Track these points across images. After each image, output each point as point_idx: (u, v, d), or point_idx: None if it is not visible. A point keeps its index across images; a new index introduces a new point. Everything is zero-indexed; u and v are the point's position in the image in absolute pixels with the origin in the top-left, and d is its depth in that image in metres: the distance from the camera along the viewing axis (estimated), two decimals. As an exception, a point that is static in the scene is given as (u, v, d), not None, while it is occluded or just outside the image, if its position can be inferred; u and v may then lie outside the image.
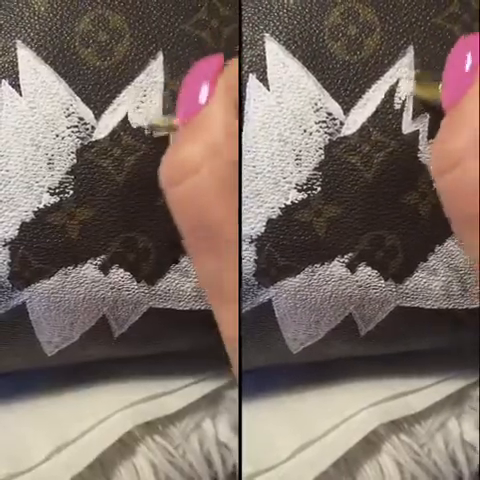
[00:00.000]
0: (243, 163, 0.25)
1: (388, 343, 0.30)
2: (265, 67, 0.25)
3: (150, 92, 0.26)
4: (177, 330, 0.30)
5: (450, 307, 0.29)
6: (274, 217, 0.25)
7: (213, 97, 0.21)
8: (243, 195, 0.25)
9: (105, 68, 0.26)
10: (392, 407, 0.32)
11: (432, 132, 0.25)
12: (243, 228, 0.26)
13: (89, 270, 0.27)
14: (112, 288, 0.27)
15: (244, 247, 0.26)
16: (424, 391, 0.33)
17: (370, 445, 0.32)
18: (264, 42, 0.25)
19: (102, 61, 0.26)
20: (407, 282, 0.28)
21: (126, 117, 0.26)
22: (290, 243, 0.26)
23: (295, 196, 0.25)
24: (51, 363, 0.30)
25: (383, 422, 0.31)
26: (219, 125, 0.21)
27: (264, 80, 0.25)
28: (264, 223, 0.26)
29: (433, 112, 0.25)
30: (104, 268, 0.27)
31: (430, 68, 0.25)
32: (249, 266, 0.26)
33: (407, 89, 0.25)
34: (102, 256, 0.27)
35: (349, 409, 0.31)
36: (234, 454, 0.33)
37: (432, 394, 0.33)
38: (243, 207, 0.25)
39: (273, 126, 0.25)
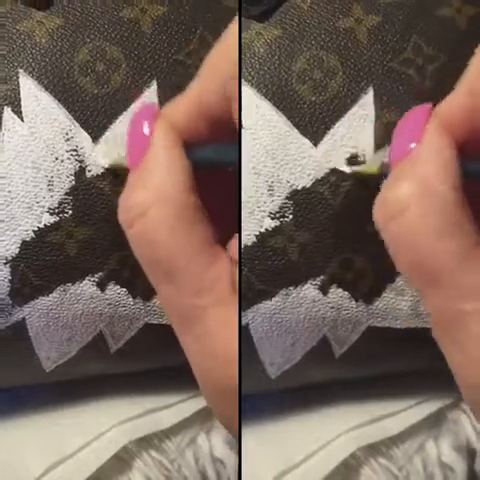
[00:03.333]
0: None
1: (363, 365, 0.31)
2: (19, 100, 0.26)
3: (362, 123, 0.28)
4: (171, 345, 0.30)
5: (419, 326, 0.29)
6: (28, 239, 0.27)
7: (155, 139, 0.22)
8: None
9: (102, 96, 0.27)
10: (370, 431, 0.32)
11: None
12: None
13: (87, 287, 0.28)
14: (109, 304, 0.28)
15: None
16: (401, 414, 0.33)
17: (348, 469, 0.32)
18: (18, 78, 0.26)
19: (99, 89, 0.27)
20: (377, 302, 0.29)
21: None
22: (43, 263, 0.27)
23: (48, 219, 0.27)
24: (49, 379, 0.30)
25: (361, 446, 0.32)
26: (163, 168, 0.21)
27: (18, 112, 0.26)
28: (18, 245, 0.27)
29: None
30: (101, 285, 0.28)
31: (388, 106, 0.27)
32: (4, 286, 0.27)
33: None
34: (99, 273, 0.28)
35: (327, 434, 0.32)
36: (229, 469, 0.33)
37: (409, 417, 0.33)
38: None
39: (26, 154, 0.26)
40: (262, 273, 0.27)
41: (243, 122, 0.27)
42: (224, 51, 0.22)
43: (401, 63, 0.28)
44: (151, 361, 0.31)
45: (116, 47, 0.27)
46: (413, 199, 0.20)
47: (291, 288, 0.28)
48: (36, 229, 0.27)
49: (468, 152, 0.22)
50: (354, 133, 0.27)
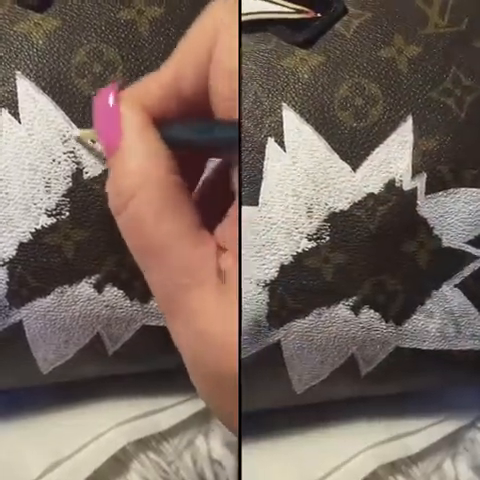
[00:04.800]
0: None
1: (386, 383, 0.32)
2: (16, 102, 0.27)
3: (401, 149, 0.28)
4: (169, 347, 0.31)
5: (445, 348, 0.30)
6: (25, 241, 0.27)
7: (125, 124, 0.22)
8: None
9: (360, 129, 0.28)
10: (390, 449, 0.33)
11: (429, 188, 0.29)
12: None
13: (84, 288, 0.28)
14: (106, 306, 0.28)
15: None
16: (422, 432, 0.34)
17: None
18: (16, 79, 0.27)
19: (97, 91, 0.27)
20: (406, 324, 0.30)
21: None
22: (41, 265, 0.27)
23: (45, 221, 0.27)
24: (46, 381, 0.31)
25: (381, 464, 0.32)
26: (138, 151, 0.21)
27: (16, 114, 0.26)
28: (16, 246, 0.27)
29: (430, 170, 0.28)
30: (98, 287, 0.28)
31: (426, 135, 0.29)
32: (1, 288, 0.27)
33: None
34: (96, 275, 0.28)
35: (347, 451, 0.32)
36: (227, 471, 0.33)
37: (429, 435, 0.34)
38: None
39: (24, 156, 0.26)
40: (296, 292, 0.28)
41: (285, 145, 0.28)
42: (200, 33, 0.22)
43: (440, 93, 0.29)
44: (148, 363, 0.32)
45: (113, 49, 0.27)
46: (135, 188, 0.21)
47: (324, 308, 0.28)
48: (33, 231, 0.27)
49: (168, 121, 0.22)
50: (392, 159, 0.28)
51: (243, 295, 0.28)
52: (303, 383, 0.30)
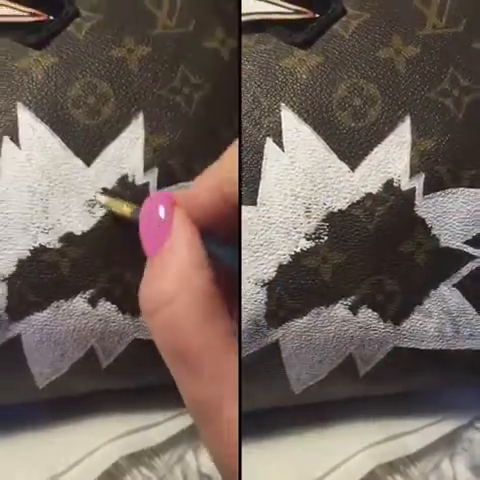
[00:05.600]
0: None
1: (385, 383, 0.32)
2: (17, 130, 0.28)
3: (133, 146, 0.29)
4: (160, 361, 0.32)
5: (443, 348, 0.31)
6: (23, 258, 0.28)
7: (173, 230, 0.22)
8: None
9: (93, 126, 0.30)
10: (388, 448, 0.33)
11: (427, 188, 0.29)
12: None
13: (79, 303, 0.29)
14: (100, 320, 0.30)
15: None
16: (420, 432, 0.34)
17: None
18: (17, 110, 0.28)
19: (91, 120, 0.30)
20: (404, 324, 0.30)
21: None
22: (38, 281, 0.27)
23: (42, 239, 0.28)
24: (41, 396, 0.32)
25: (379, 464, 0.33)
26: (184, 258, 0.22)
27: (16, 141, 0.28)
28: (15, 263, 0.28)
29: (428, 170, 0.29)
30: (92, 301, 0.29)
31: (424, 135, 0.29)
32: (1, 302, 0.28)
33: None
34: (91, 290, 0.29)
35: (346, 451, 0.33)
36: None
37: (427, 435, 0.34)
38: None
39: (23, 179, 0.28)
40: (295, 292, 0.29)
41: (284, 145, 0.28)
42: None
43: (438, 94, 0.29)
44: (140, 378, 0.33)
45: (106, 83, 0.30)
46: (175, 294, 0.21)
47: (322, 307, 0.29)
48: (32, 248, 0.29)
49: (213, 235, 0.23)
50: (391, 159, 0.29)
51: (242, 295, 0.28)
52: (301, 383, 0.31)
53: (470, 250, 0.30)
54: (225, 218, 0.23)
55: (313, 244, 0.28)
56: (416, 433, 0.34)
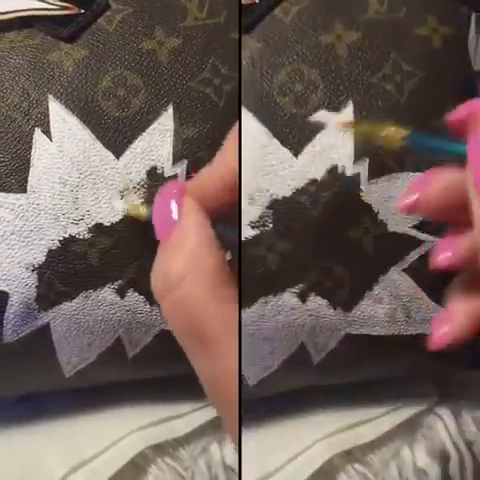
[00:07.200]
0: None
1: (339, 372, 0.32)
2: (48, 122, 0.29)
3: (162, 138, 0.30)
4: (185, 354, 0.32)
5: (395, 333, 0.31)
6: (54, 248, 0.28)
7: (184, 215, 0.23)
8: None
9: (123, 118, 0.30)
10: (345, 437, 0.33)
11: (371, 174, 0.29)
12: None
13: (107, 294, 0.30)
14: (127, 311, 0.30)
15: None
16: (377, 420, 0.34)
17: (325, 476, 0.33)
18: (48, 102, 0.28)
19: (120, 112, 0.30)
20: (354, 310, 0.30)
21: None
22: (68, 271, 0.28)
23: (72, 230, 0.28)
24: (68, 385, 0.32)
25: (337, 452, 0.33)
26: (194, 239, 0.23)
27: (48, 133, 0.29)
28: (45, 253, 0.28)
29: (373, 155, 0.29)
30: (121, 292, 0.30)
31: (186, 123, 0.30)
32: (31, 292, 0.28)
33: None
34: (119, 281, 0.30)
35: (304, 441, 0.33)
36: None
37: (384, 423, 0.34)
38: None
39: (54, 170, 0.28)
40: (64, 276, 0.29)
41: (52, 135, 0.29)
42: None
43: (380, 79, 0.30)
44: (165, 368, 0.33)
45: (136, 75, 0.30)
46: (186, 272, 0.22)
47: (91, 291, 0.30)
48: (61, 239, 0.29)
49: (220, 219, 0.24)
50: (335, 145, 0.29)
51: (12, 279, 0.29)
52: (72, 366, 0.31)
53: (418, 234, 0.29)
54: (229, 205, 0.24)
55: (258, 232, 0.28)
56: (374, 421, 0.34)
